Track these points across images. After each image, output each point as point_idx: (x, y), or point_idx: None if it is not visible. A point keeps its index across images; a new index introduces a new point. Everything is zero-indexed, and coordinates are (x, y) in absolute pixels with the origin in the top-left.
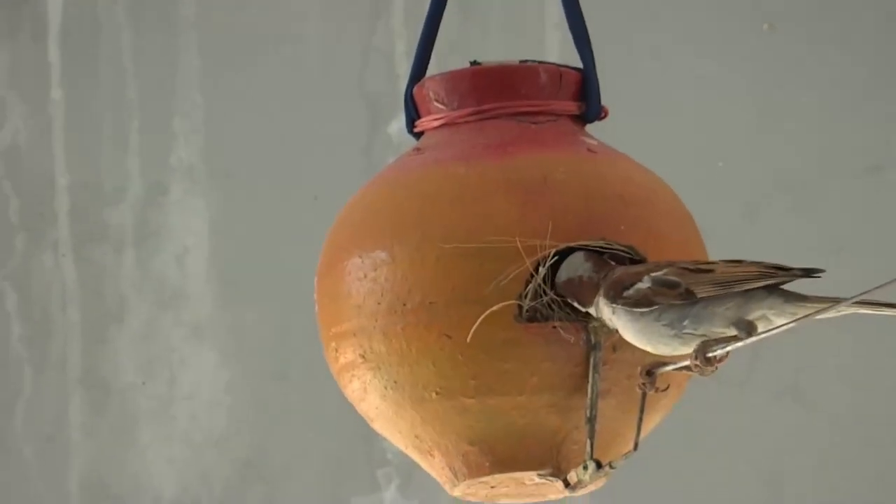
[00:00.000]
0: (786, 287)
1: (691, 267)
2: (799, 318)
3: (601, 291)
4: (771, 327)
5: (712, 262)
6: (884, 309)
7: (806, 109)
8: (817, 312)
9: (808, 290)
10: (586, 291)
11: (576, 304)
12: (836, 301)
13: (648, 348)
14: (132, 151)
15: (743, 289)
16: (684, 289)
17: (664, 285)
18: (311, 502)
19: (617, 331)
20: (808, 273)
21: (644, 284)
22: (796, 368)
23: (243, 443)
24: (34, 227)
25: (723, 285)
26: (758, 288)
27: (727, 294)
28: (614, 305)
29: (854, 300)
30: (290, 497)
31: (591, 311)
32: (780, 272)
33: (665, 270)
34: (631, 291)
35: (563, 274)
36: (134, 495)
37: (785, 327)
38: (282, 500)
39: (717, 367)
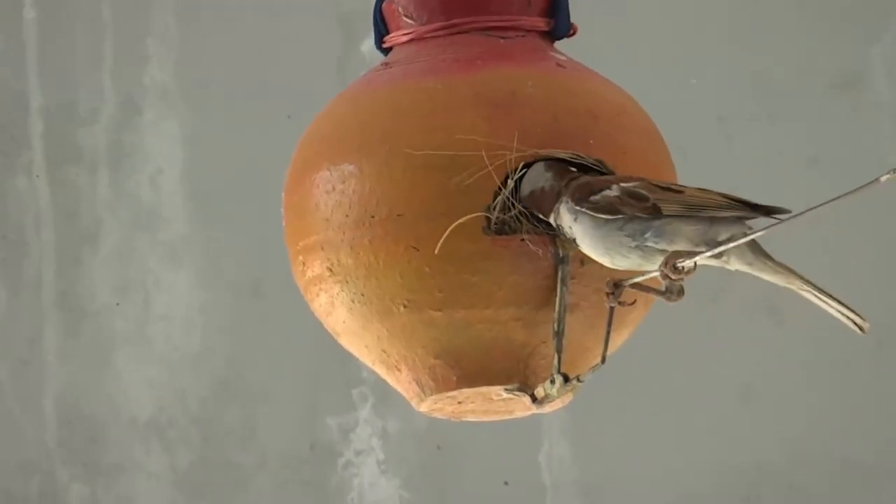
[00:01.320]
0: (751, 225)
1: (661, 185)
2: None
3: (566, 196)
4: (734, 243)
5: (682, 185)
6: (822, 297)
7: (782, 19)
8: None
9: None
10: (547, 202)
11: (538, 214)
12: (789, 272)
13: (605, 260)
14: (106, 72)
15: (708, 215)
16: (652, 203)
17: (632, 196)
18: (286, 421)
19: (576, 243)
20: (771, 212)
21: (613, 192)
22: (771, 283)
23: (219, 363)
24: (7, 149)
25: (690, 207)
26: (724, 217)
27: (693, 216)
28: (578, 209)
29: (805, 281)
30: (266, 416)
31: (551, 220)
32: (747, 207)
33: (635, 183)
34: (598, 197)
35: (526, 187)
36: (110, 416)
37: (745, 240)
38: (258, 419)
39: (682, 288)
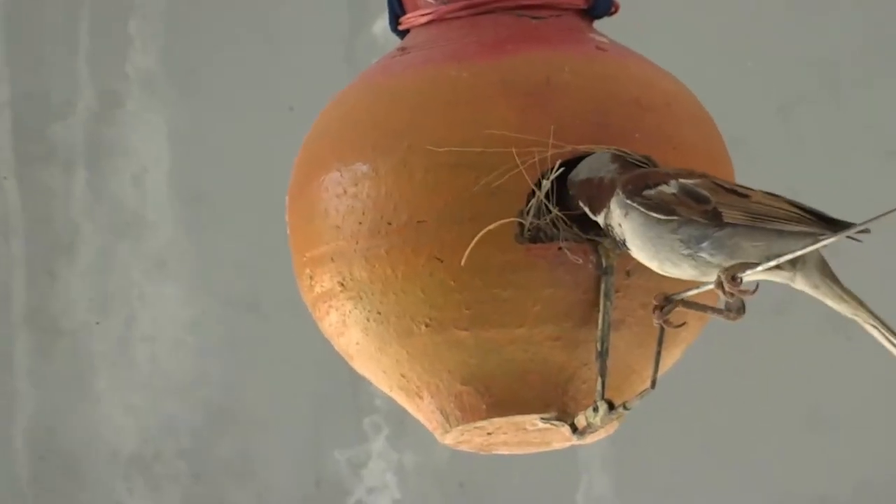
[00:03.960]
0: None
1: (726, 186)
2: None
3: (617, 188)
4: (800, 252)
5: (750, 189)
6: (890, 337)
7: None
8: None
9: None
10: (603, 195)
11: (587, 210)
12: (858, 303)
13: (654, 265)
14: (82, 57)
15: (775, 227)
16: (713, 207)
17: (692, 196)
18: (289, 455)
19: (625, 244)
20: (850, 229)
21: (670, 189)
22: None
23: (212, 388)
24: None
25: (755, 217)
26: (793, 231)
27: (756, 228)
28: (629, 203)
29: (874, 317)
30: (266, 449)
31: (600, 218)
32: (822, 222)
33: (697, 181)
34: (652, 192)
35: (583, 172)
36: (88, 450)
37: (813, 248)
38: (256, 452)
39: (743, 304)
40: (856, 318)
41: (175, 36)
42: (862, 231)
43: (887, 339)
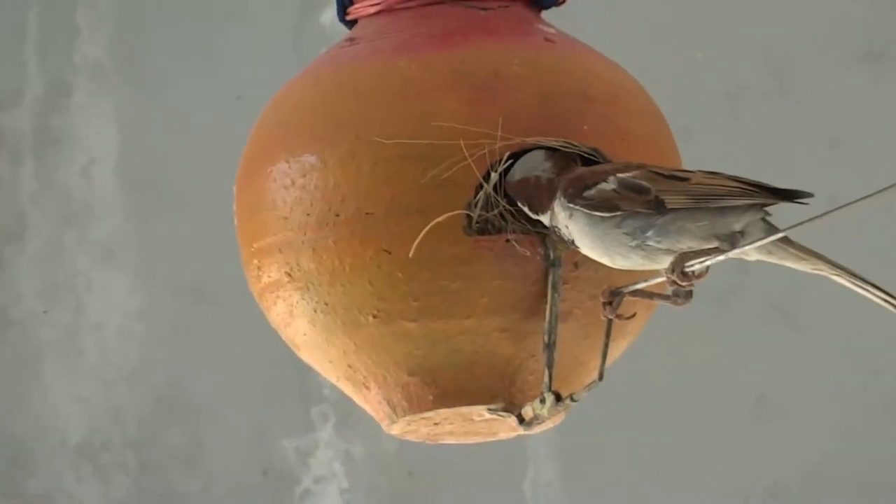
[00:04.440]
0: (769, 211)
1: (664, 172)
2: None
3: (558, 192)
4: (753, 240)
5: (688, 171)
6: (860, 284)
7: None
8: (792, 262)
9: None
10: (542, 195)
11: (526, 210)
12: (815, 256)
13: (605, 260)
14: (30, 47)
15: (719, 205)
16: (654, 196)
17: (631, 189)
18: (236, 444)
19: (574, 244)
20: (793, 197)
21: (609, 185)
22: (786, 284)
23: (159, 377)
24: None
25: (697, 198)
26: (736, 205)
27: (700, 209)
28: (572, 206)
29: (836, 267)
30: (214, 438)
31: (545, 219)
32: (763, 192)
33: (634, 172)
34: (592, 192)
35: (518, 172)
36: (36, 439)
37: (768, 240)
38: (203, 441)
39: (690, 290)
40: (818, 272)
41: (123, 25)
42: (806, 196)
43: (855, 284)
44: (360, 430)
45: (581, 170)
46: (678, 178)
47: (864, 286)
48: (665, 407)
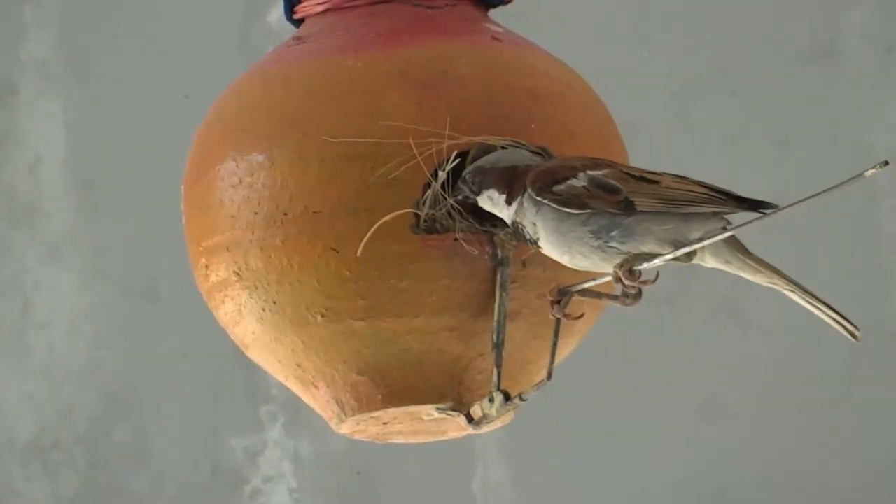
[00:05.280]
0: (730, 220)
1: (635, 174)
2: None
3: (526, 185)
4: (703, 243)
5: (657, 173)
6: (813, 302)
7: None
8: (749, 274)
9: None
10: (517, 186)
11: (499, 198)
12: (772, 270)
13: (565, 259)
14: None
15: (686, 211)
16: (624, 197)
17: (602, 188)
18: (185, 443)
19: (537, 244)
20: (758, 206)
21: (579, 182)
22: (734, 283)
23: (108, 375)
24: None
25: (667, 202)
26: (700, 212)
27: (667, 213)
28: (540, 200)
29: (791, 283)
30: (162, 436)
31: (511, 210)
32: (730, 200)
33: (605, 171)
34: (562, 187)
35: (505, 160)
36: None
37: (717, 238)
38: (152, 440)
39: (640, 290)
40: (773, 285)
41: (70, 23)
42: (770, 207)
43: (806, 301)
44: (308, 429)
45: (550, 162)
46: (648, 180)
47: (816, 304)
48: (613, 407)
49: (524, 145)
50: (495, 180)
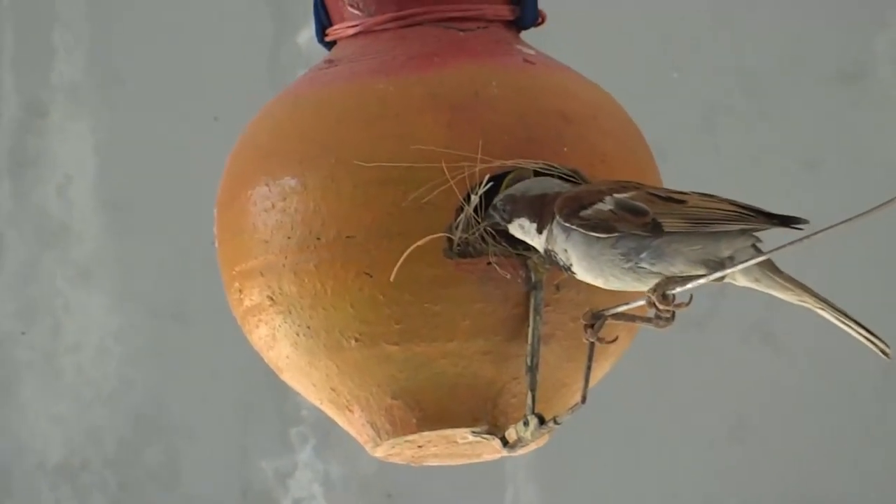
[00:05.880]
0: (760, 238)
1: (661, 194)
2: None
3: (554, 212)
4: (736, 266)
5: (684, 193)
6: (843, 319)
7: (772, 5)
8: (779, 292)
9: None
10: (546, 214)
11: (530, 226)
12: (802, 288)
13: (600, 281)
14: (5, 66)
15: (715, 229)
16: (651, 218)
17: (629, 211)
18: (215, 464)
19: (570, 270)
20: (789, 222)
21: (606, 206)
22: (764, 305)
23: (137, 397)
24: None
25: (694, 222)
26: (729, 230)
27: (696, 233)
28: (568, 226)
29: (821, 301)
30: (192, 458)
31: (542, 238)
32: (759, 217)
33: (632, 193)
34: (589, 212)
35: (535, 189)
36: (14, 459)
37: (748, 263)
38: (182, 461)
39: (673, 312)
40: (803, 304)
41: (99, 45)
42: (801, 222)
43: (838, 319)
44: (339, 451)
45: (577, 188)
46: (675, 200)
47: (847, 322)
48: (644, 429)
49: (556, 168)
50: (526, 209)
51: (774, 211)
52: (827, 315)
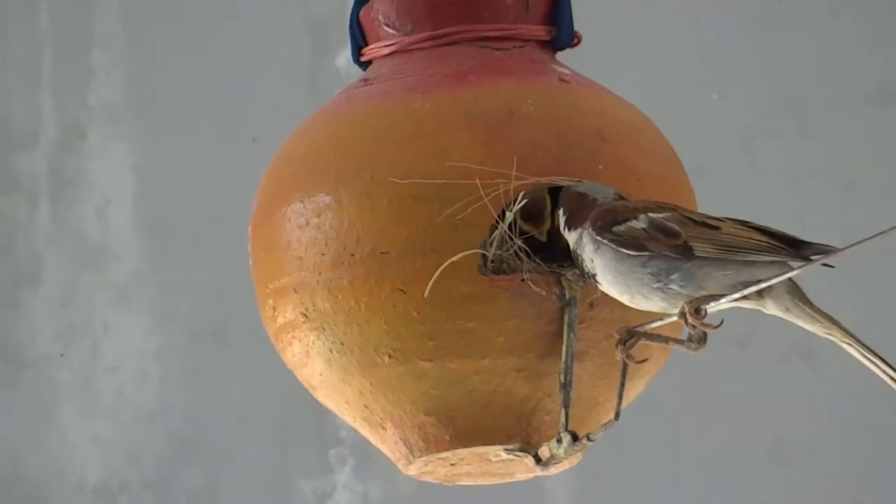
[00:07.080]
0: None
1: (696, 218)
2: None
3: (587, 224)
4: (766, 283)
5: (719, 219)
6: (868, 356)
7: (812, 26)
8: (807, 323)
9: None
10: (585, 215)
11: (561, 218)
12: (830, 321)
13: (625, 298)
14: (45, 88)
15: (745, 259)
16: (683, 241)
17: (662, 231)
18: (254, 485)
19: (594, 279)
20: (823, 253)
21: (639, 224)
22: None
23: (176, 418)
24: None
25: (725, 249)
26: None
27: (727, 259)
28: (599, 239)
29: (848, 335)
30: (231, 479)
31: (572, 237)
32: (792, 250)
33: (666, 214)
34: (622, 228)
35: (583, 187)
36: (53, 481)
37: (777, 280)
38: (221, 482)
39: (705, 334)
40: (830, 336)
41: (137, 67)
42: (829, 255)
43: (863, 355)
44: (377, 472)
45: (614, 203)
46: (709, 225)
47: (872, 358)
48: (683, 448)
49: None
50: (565, 201)
51: (813, 235)
52: (852, 350)
